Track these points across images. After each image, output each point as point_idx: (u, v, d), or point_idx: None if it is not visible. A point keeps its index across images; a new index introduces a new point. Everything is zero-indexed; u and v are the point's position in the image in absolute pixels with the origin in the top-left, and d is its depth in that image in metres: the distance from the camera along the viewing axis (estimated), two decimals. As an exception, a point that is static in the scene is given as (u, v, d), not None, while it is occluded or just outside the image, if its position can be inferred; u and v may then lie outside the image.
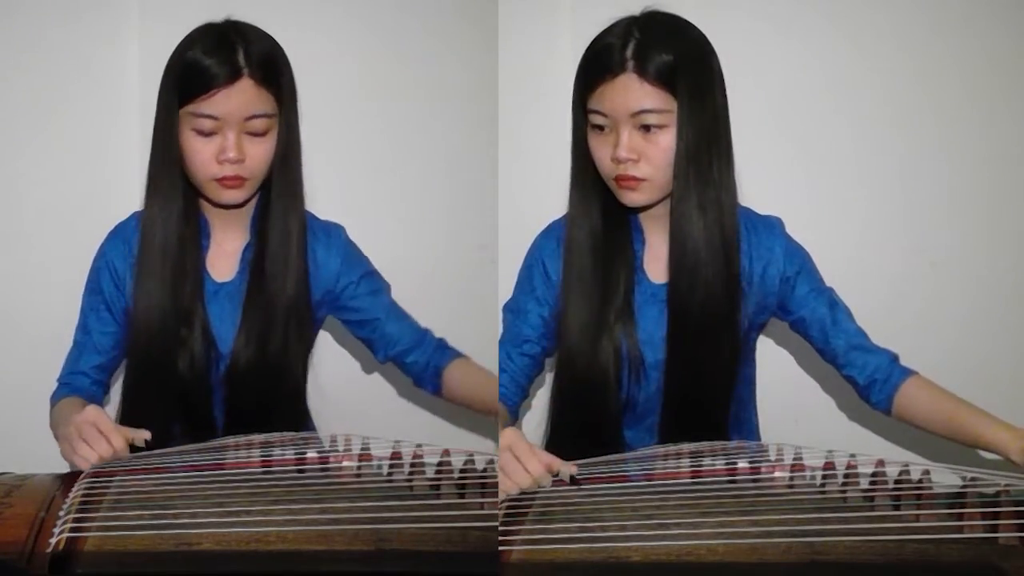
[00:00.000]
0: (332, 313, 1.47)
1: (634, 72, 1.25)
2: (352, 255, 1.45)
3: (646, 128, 1.27)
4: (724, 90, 1.31)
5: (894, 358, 1.36)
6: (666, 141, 1.27)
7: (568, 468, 1.13)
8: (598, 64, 1.27)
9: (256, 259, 1.38)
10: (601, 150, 1.30)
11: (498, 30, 1.61)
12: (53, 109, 1.66)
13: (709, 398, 1.34)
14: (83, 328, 1.43)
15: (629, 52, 1.25)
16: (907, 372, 1.35)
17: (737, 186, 1.33)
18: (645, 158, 1.27)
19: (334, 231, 1.45)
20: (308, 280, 1.40)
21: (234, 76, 1.28)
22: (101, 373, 1.42)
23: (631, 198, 1.30)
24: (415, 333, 1.45)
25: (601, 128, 1.29)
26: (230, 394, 1.38)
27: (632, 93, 1.26)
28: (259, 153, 1.32)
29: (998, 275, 1.71)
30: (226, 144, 1.30)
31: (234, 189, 1.33)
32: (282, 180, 1.37)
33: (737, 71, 1.37)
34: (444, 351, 1.45)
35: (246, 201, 1.37)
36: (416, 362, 1.44)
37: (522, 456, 1.11)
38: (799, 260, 1.38)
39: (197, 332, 1.36)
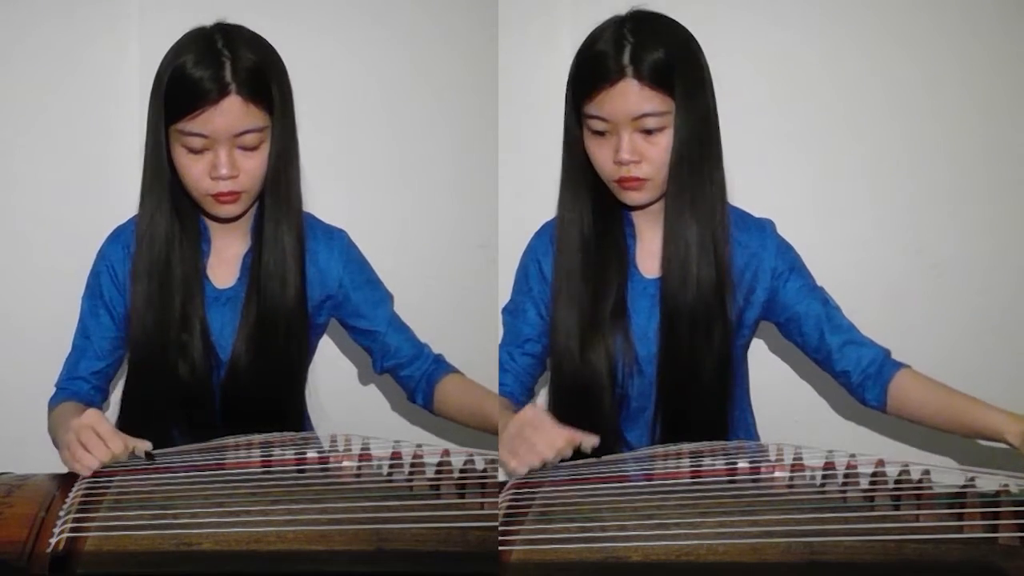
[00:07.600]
0: (335, 316, 1.45)
1: (633, 77, 1.25)
2: (354, 261, 1.44)
3: (646, 131, 1.27)
4: (713, 87, 1.32)
5: (887, 353, 1.36)
6: (665, 141, 1.28)
7: (591, 440, 1.20)
8: (595, 70, 1.27)
9: (254, 267, 1.36)
10: (601, 153, 1.30)
11: (498, 30, 1.61)
12: (52, 110, 1.66)
13: (704, 394, 1.34)
14: (82, 332, 1.41)
15: (626, 58, 1.25)
16: (899, 365, 1.34)
17: (727, 184, 1.34)
18: (646, 159, 1.28)
19: (336, 235, 1.44)
20: (305, 287, 1.38)
21: (221, 94, 1.24)
22: (100, 379, 1.40)
23: (633, 197, 1.32)
24: (414, 347, 1.44)
25: (601, 132, 1.29)
26: (229, 400, 1.36)
27: (632, 98, 1.26)
28: (253, 167, 1.29)
29: (999, 277, 1.71)
30: (218, 161, 1.27)
31: (230, 204, 1.30)
32: (276, 190, 1.33)
33: (737, 69, 1.36)
34: (440, 365, 1.44)
35: (244, 212, 1.35)
36: (411, 376, 1.44)
37: (546, 428, 1.17)
38: (791, 258, 1.39)
39: (196, 339, 1.34)
